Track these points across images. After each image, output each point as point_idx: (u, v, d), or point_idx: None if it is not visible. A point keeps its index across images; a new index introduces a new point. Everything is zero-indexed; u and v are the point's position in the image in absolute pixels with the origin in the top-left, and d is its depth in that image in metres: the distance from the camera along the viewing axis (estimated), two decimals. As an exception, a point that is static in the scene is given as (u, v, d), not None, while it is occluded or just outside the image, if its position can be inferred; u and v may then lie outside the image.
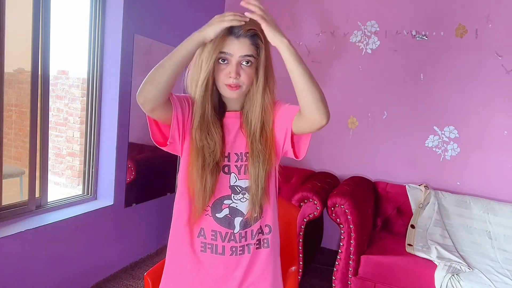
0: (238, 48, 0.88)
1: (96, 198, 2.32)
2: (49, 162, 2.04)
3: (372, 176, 2.81)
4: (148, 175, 2.61)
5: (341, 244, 2.16)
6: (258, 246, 0.99)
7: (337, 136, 2.92)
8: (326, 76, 2.94)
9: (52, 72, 2.12)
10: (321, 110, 0.83)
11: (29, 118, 1.89)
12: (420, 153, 2.69)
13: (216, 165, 0.93)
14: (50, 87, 1.98)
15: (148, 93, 0.81)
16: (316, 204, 2.20)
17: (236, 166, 0.97)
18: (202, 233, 0.97)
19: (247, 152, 0.96)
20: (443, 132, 2.62)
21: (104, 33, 2.21)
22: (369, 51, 2.81)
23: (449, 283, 1.89)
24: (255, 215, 0.96)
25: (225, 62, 0.90)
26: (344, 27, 2.87)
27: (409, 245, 2.26)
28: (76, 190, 3.72)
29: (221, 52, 0.88)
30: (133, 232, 2.51)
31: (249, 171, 0.95)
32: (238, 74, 0.89)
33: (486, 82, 2.49)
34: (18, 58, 2.10)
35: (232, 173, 0.96)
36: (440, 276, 1.93)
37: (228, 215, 0.96)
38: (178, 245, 0.99)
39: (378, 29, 2.77)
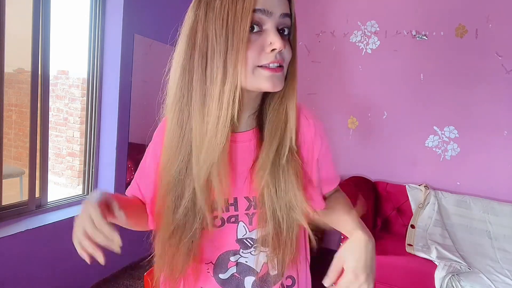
0: (277, 2, 0.56)
1: (96, 198, 2.32)
2: (49, 162, 2.04)
3: (372, 176, 2.81)
4: (148, 175, 2.60)
5: (341, 244, 2.15)
6: None
7: (337, 136, 2.92)
8: (326, 76, 2.94)
9: (52, 72, 2.12)
10: None
11: (29, 118, 1.89)
12: (420, 153, 2.69)
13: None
14: (50, 87, 1.98)
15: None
16: (316, 204, 2.20)
17: (247, 214, 0.67)
18: None
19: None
20: (443, 132, 2.62)
21: (104, 33, 2.21)
22: (369, 51, 2.81)
23: (449, 283, 1.89)
24: (275, 273, 0.68)
25: (257, 30, 0.56)
26: (344, 27, 2.87)
27: (409, 245, 2.26)
28: (76, 190, 3.72)
29: (253, 11, 0.54)
30: (133, 232, 2.50)
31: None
32: (283, 44, 0.55)
33: (486, 82, 2.49)
34: (18, 58, 2.10)
35: (241, 222, 0.68)
36: (440, 276, 1.93)
37: (236, 273, 0.69)
38: None
39: (378, 29, 2.77)
